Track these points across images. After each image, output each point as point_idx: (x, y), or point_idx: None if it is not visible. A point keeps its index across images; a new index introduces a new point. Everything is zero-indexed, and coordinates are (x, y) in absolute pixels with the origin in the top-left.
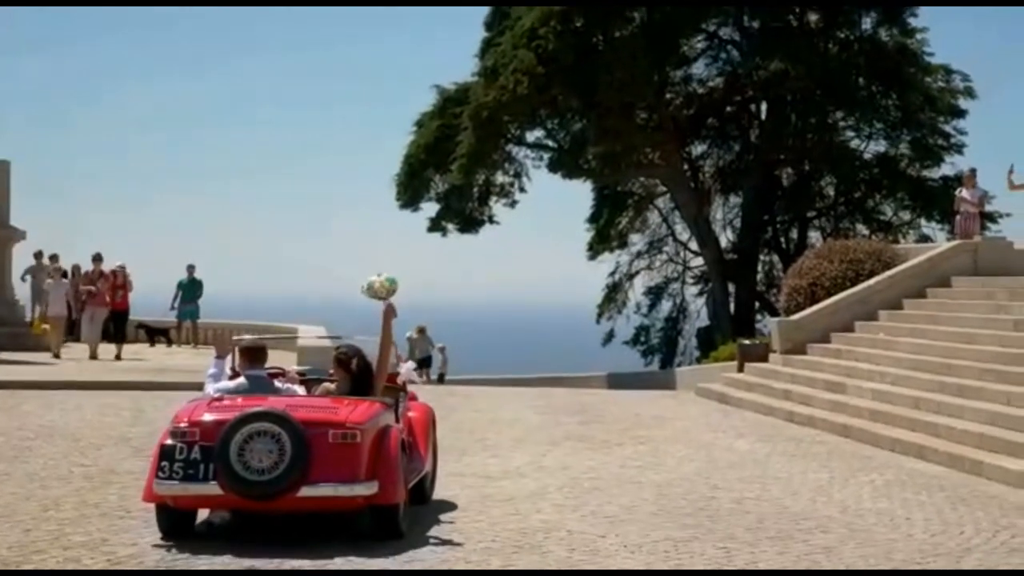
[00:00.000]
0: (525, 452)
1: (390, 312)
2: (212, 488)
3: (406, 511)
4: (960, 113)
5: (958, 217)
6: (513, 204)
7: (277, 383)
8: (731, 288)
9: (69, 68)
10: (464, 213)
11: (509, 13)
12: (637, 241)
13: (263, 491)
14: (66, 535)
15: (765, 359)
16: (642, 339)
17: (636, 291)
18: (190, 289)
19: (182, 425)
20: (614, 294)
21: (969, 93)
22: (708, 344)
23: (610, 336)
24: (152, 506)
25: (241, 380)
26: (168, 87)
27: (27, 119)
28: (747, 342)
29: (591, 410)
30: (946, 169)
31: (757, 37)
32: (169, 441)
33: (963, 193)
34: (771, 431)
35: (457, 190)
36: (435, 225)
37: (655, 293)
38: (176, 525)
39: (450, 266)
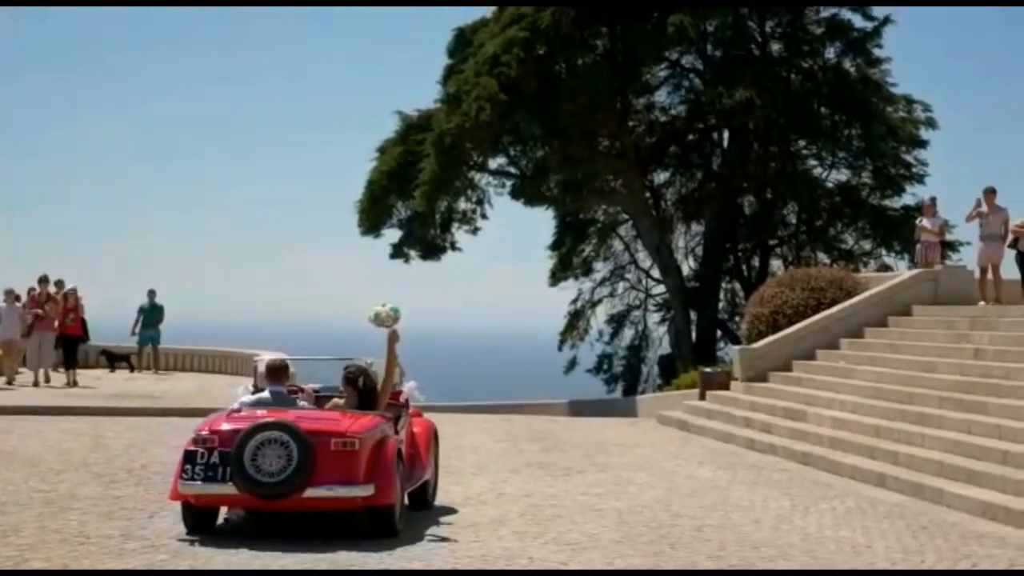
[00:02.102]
0: (486, 479)
1: (394, 337)
2: (229, 488)
3: (402, 513)
4: (922, 143)
5: (919, 246)
6: (475, 231)
7: (295, 398)
8: (693, 316)
9: (36, 90)
10: (426, 240)
11: (472, 40)
12: (600, 268)
13: (273, 492)
14: (26, 561)
15: (727, 387)
16: (605, 367)
17: (598, 319)
18: (151, 314)
19: (204, 433)
20: (576, 321)
21: (931, 123)
22: (670, 372)
23: (572, 364)
24: (112, 532)
25: (263, 394)
26: (127, 113)
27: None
28: (709, 370)
29: (552, 437)
30: (907, 199)
31: (720, 66)
32: (192, 447)
33: (924, 222)
34: (732, 458)
35: (419, 217)
36: (397, 252)
37: (617, 321)
38: (199, 522)
39: (412, 293)
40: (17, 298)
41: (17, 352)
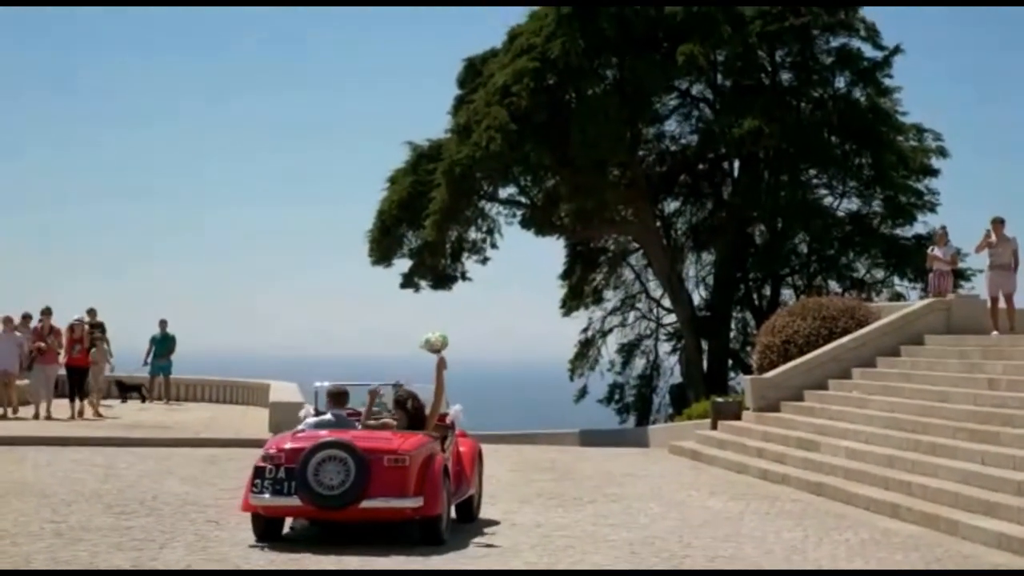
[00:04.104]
0: (497, 509)
1: (442, 364)
2: (293, 500)
3: (448, 523)
4: (932, 172)
5: (931, 275)
6: (485, 261)
7: (353, 420)
8: (704, 345)
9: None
10: (437, 269)
11: (482, 71)
12: (610, 297)
13: (333, 503)
14: None
15: (738, 417)
16: (616, 397)
17: (609, 348)
18: (163, 344)
19: (271, 451)
20: (587, 350)
21: (941, 152)
22: (681, 401)
23: (583, 393)
24: (122, 563)
25: (324, 417)
26: (134, 133)
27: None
28: (720, 400)
29: (563, 467)
30: (919, 227)
31: (730, 95)
32: (261, 463)
33: (935, 251)
34: (744, 489)
35: (430, 246)
36: (408, 281)
37: (628, 350)
38: (267, 531)
39: (422, 322)
40: (23, 323)
41: (13, 383)
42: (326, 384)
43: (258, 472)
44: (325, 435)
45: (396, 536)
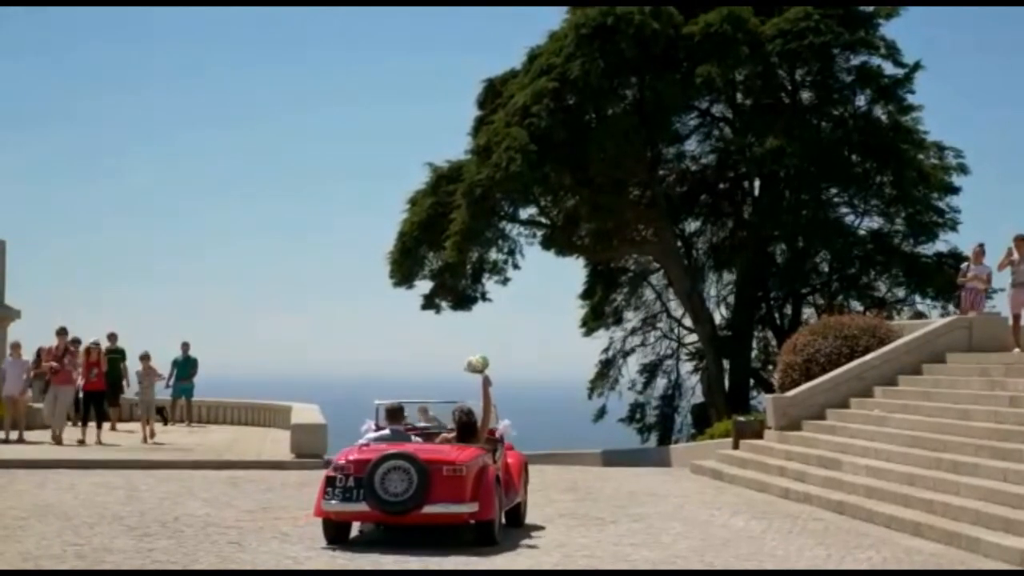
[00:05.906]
0: (519, 530)
1: (487, 383)
2: (361, 507)
3: (500, 527)
4: (954, 190)
5: (964, 292)
6: (506, 281)
7: (409, 434)
8: (726, 365)
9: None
10: (457, 290)
11: (501, 92)
12: (631, 317)
13: (397, 509)
14: None
15: (760, 436)
16: (638, 416)
17: (630, 368)
18: (184, 367)
19: (341, 462)
20: (607, 370)
21: (962, 169)
22: (703, 421)
23: (601, 413)
24: None
25: (384, 432)
26: (154, 158)
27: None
28: (742, 419)
29: (585, 487)
30: (940, 245)
31: (750, 114)
32: (332, 473)
33: (971, 270)
34: (766, 508)
35: (450, 267)
36: (428, 303)
37: (650, 370)
38: (337, 535)
39: (444, 342)
40: (39, 353)
41: (23, 407)
42: (384, 402)
43: (329, 481)
44: (390, 448)
45: (455, 538)
